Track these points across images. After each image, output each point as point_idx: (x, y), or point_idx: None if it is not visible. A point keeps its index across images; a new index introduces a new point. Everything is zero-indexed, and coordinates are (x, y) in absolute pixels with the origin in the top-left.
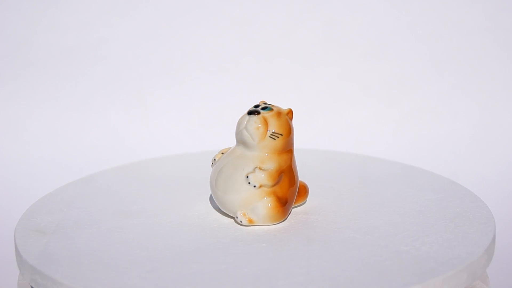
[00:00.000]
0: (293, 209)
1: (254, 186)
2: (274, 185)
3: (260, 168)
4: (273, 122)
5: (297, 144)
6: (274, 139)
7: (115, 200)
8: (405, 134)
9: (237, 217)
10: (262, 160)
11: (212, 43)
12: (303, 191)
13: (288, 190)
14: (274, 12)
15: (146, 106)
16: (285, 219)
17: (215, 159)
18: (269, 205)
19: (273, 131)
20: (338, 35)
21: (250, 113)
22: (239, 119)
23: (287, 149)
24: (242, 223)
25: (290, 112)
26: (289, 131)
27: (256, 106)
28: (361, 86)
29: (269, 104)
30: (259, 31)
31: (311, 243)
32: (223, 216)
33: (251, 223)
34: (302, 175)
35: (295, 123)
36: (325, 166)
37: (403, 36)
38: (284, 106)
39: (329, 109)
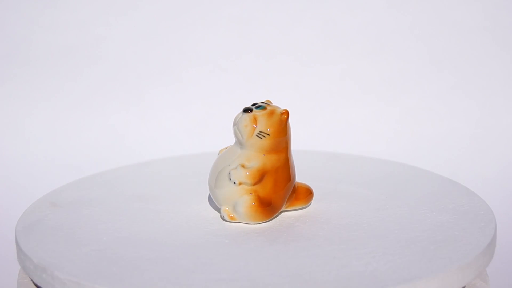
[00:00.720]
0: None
1: (234, 183)
2: (254, 184)
3: (243, 166)
4: (262, 121)
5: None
6: (261, 138)
7: (116, 199)
8: (405, 133)
9: (220, 212)
10: (248, 158)
11: (212, 42)
12: (303, 194)
13: (271, 192)
14: (274, 11)
15: (145, 105)
16: (269, 220)
17: (219, 153)
18: (247, 203)
19: (260, 130)
20: (338, 33)
21: (244, 110)
22: (235, 116)
23: (277, 150)
24: (225, 219)
25: (284, 113)
26: (278, 132)
27: (254, 104)
28: (361, 85)
29: (265, 103)
30: (258, 30)
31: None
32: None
33: (232, 219)
34: (302, 177)
35: (295, 122)
36: (323, 167)
37: (403, 35)
38: (284, 105)
39: (328, 108)
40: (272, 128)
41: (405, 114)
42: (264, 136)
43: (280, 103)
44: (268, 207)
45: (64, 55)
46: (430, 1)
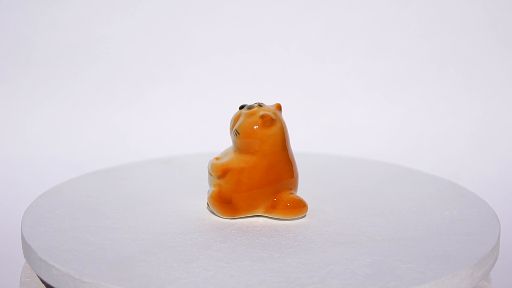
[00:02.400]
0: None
1: (209, 172)
2: (218, 178)
3: (216, 158)
4: (240, 120)
5: (298, 145)
6: (235, 135)
7: (117, 199)
8: (406, 132)
9: None
10: (227, 152)
11: (214, 42)
12: (282, 205)
13: (231, 190)
14: (277, 10)
15: (147, 103)
16: (233, 218)
17: None
18: (209, 194)
19: (235, 127)
20: (340, 32)
21: (239, 108)
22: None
23: (248, 151)
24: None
25: (262, 117)
26: (247, 133)
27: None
28: (363, 84)
29: (257, 104)
30: (261, 29)
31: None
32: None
33: (208, 206)
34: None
35: (294, 123)
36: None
37: (405, 34)
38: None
39: (329, 107)
40: (242, 128)
41: (407, 113)
42: (237, 134)
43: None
44: (226, 204)
45: (67, 54)
46: (432, 1)
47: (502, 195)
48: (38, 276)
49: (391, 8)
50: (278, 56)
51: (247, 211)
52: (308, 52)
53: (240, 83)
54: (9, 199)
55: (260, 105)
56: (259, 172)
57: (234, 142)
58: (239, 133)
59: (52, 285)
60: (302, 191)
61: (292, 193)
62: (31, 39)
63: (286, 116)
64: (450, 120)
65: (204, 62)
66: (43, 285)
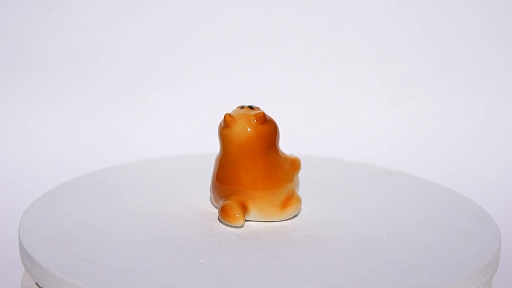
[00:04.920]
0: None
1: None
2: None
3: None
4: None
5: (298, 149)
6: None
7: (118, 197)
8: (408, 136)
9: None
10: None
11: (215, 45)
12: (222, 212)
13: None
14: (277, 14)
15: (149, 106)
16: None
17: None
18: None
19: None
20: (341, 36)
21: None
22: None
23: (222, 151)
24: None
25: (223, 118)
26: (219, 131)
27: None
28: (364, 87)
29: (247, 106)
30: (261, 33)
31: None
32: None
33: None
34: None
35: (294, 125)
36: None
37: (407, 38)
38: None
39: (329, 111)
40: (220, 126)
41: (408, 117)
42: None
43: (282, 106)
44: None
45: (69, 58)
46: (434, 4)
47: (503, 200)
48: (36, 283)
49: (393, 11)
50: (279, 59)
51: (216, 200)
52: (309, 56)
53: (242, 86)
54: (11, 203)
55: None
56: (217, 169)
57: None
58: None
59: None
60: (301, 191)
61: (229, 199)
62: (33, 42)
63: (286, 118)
64: (452, 124)
65: (205, 65)
66: None
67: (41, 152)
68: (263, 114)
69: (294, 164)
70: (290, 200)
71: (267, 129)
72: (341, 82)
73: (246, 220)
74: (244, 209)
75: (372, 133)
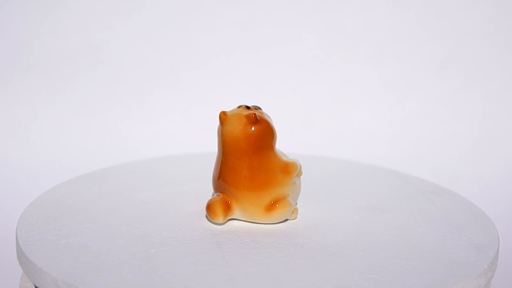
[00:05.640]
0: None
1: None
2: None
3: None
4: None
5: (296, 149)
6: None
7: (117, 197)
8: (406, 137)
9: None
10: None
11: (214, 46)
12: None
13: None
14: (277, 15)
15: (148, 107)
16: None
17: None
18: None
19: None
20: (340, 37)
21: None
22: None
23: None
24: None
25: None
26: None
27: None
28: (363, 88)
29: (245, 106)
30: (261, 34)
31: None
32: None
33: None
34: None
35: (294, 126)
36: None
37: (406, 39)
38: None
39: (329, 112)
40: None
41: (408, 117)
42: None
43: (282, 107)
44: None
45: (68, 58)
46: (433, 5)
47: (502, 201)
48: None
49: (392, 12)
50: (278, 60)
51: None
52: (309, 56)
53: (241, 86)
54: (10, 203)
55: (250, 106)
56: (215, 166)
57: None
58: None
59: None
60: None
61: (218, 196)
62: (33, 43)
63: (286, 119)
64: (450, 125)
65: (205, 65)
66: None
67: (41, 152)
68: (255, 115)
69: (286, 169)
70: (278, 203)
71: (257, 130)
72: (341, 82)
73: (232, 219)
74: (228, 207)
75: (372, 133)
